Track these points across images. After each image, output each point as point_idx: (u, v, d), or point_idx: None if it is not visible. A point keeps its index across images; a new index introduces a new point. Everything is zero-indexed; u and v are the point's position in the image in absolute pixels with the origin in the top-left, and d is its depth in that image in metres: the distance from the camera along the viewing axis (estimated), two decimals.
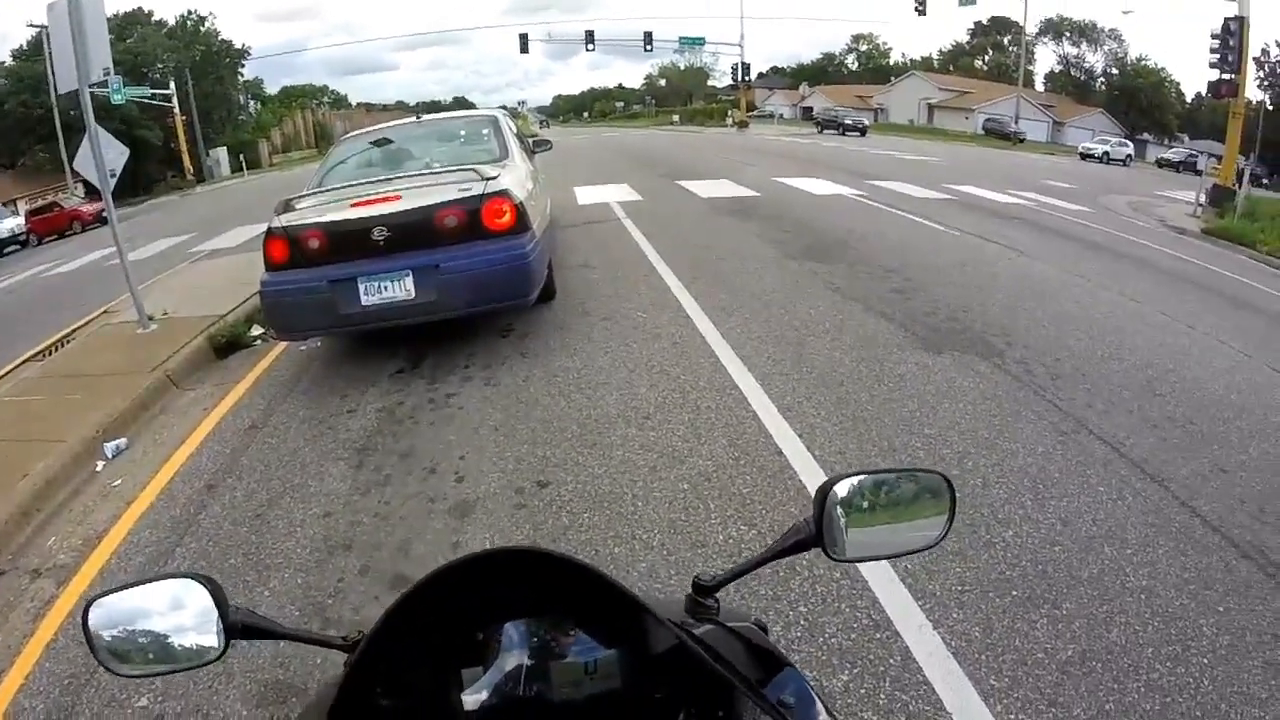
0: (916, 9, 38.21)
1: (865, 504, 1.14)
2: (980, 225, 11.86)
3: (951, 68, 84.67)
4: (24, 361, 7.92)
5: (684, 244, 9.27)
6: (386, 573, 3.34)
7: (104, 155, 7.32)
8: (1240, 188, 19.25)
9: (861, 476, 1.15)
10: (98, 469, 5.06)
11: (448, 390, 5.23)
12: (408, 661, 0.98)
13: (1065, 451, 4.25)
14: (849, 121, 48.71)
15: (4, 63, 50.16)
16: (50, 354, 8.03)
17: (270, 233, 5.35)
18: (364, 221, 5.15)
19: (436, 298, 5.16)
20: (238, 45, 62.71)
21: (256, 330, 7.13)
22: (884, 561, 3.03)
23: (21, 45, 49.04)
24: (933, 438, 4.34)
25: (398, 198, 5.28)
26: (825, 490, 1.11)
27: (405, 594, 0.96)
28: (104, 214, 28.54)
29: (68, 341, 8.32)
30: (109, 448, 5.22)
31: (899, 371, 5.26)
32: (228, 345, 6.94)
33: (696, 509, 3.59)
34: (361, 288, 5.13)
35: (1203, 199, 19.47)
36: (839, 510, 1.11)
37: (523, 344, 5.95)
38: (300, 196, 5.69)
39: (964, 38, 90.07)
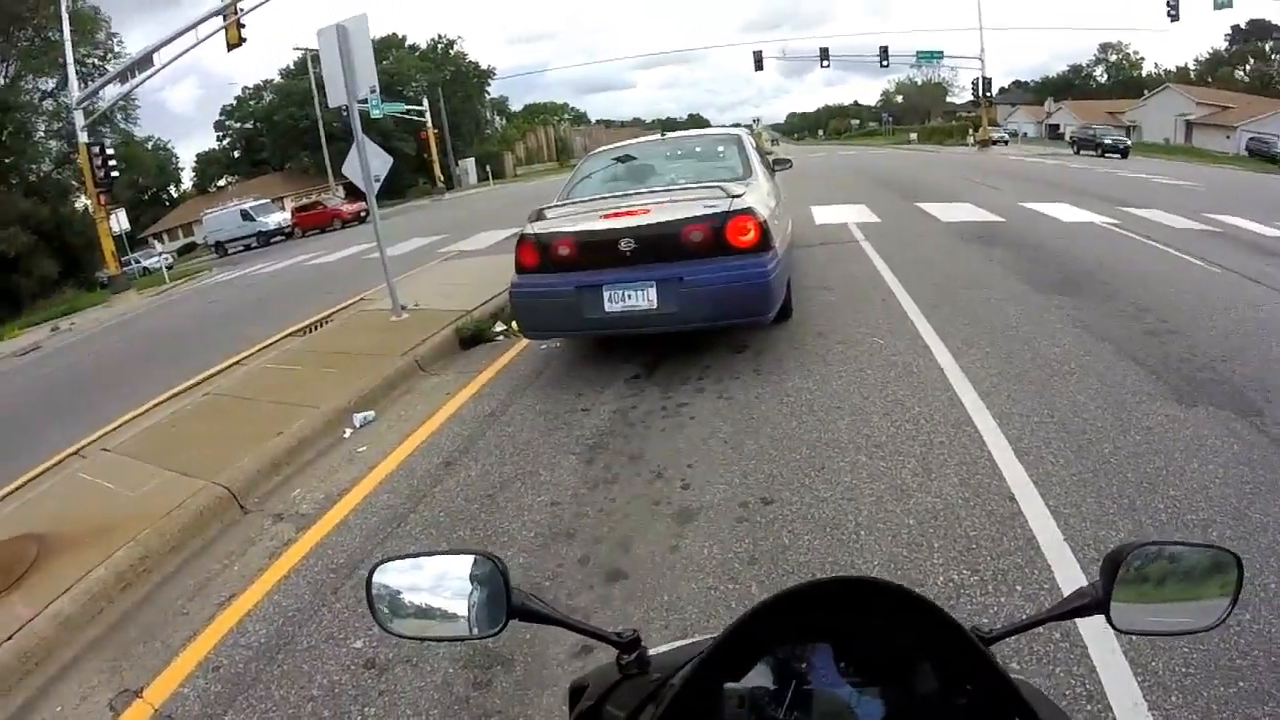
0: (1169, 13, 34.76)
1: (1152, 575, 1.12)
2: (1245, 263, 10.62)
3: (1210, 79, 76.17)
4: (288, 335, 8.91)
5: (923, 269, 8.96)
6: (604, 565, 3.45)
7: (370, 163, 8.25)
8: None
9: (1154, 546, 1.12)
10: (345, 436, 5.64)
11: (680, 400, 5.34)
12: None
13: None
14: (1109, 141, 44.22)
15: (274, 80, 58.39)
16: (311, 331, 8.97)
17: (523, 238, 5.72)
18: (612, 232, 5.40)
19: (677, 309, 5.31)
20: (484, 66, 69.95)
21: (500, 327, 7.66)
22: (1109, 630, 2.81)
23: (289, 65, 58.09)
24: (1177, 500, 3.91)
25: (646, 211, 5.50)
26: (1117, 557, 1.08)
27: (752, 611, 0.93)
28: (361, 214, 31.96)
29: (327, 322, 9.24)
30: (358, 418, 5.79)
31: (1146, 423, 4.80)
32: (472, 338, 7.51)
33: (919, 546, 3.44)
34: (606, 295, 5.38)
35: None
36: (1125, 578, 1.09)
37: (757, 361, 5.97)
38: (551, 206, 6.05)
39: (1221, 44, 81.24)
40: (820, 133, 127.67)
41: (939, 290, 7.89)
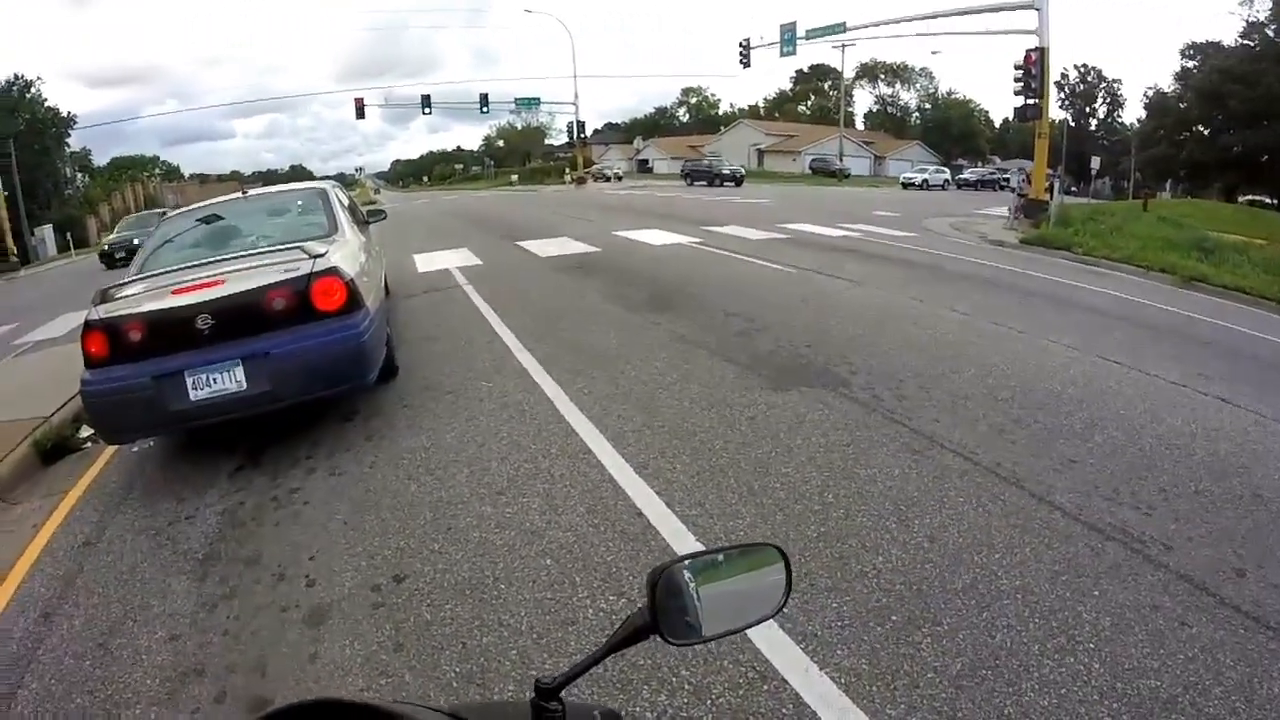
0: (741, 60, 40.08)
1: (701, 583, 1.16)
2: (814, 260, 12.52)
3: (777, 114, 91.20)
4: None
5: (525, 306, 9.35)
6: (243, 696, 3.17)
7: None
8: (1052, 199, 21.38)
9: (691, 559, 1.18)
10: None
11: (291, 485, 4.99)
12: None
13: (921, 469, 4.51)
14: (726, 171, 47.52)
15: None
16: None
17: (88, 325, 4.98)
18: (187, 309, 4.88)
19: (270, 387, 4.94)
20: (64, 113, 58.59)
21: (86, 431, 6.64)
22: (772, 625, 3.08)
23: None
24: (790, 475, 4.50)
25: (221, 282, 5.02)
26: (656, 577, 1.11)
27: None
28: None
29: None
30: None
31: (749, 415, 5.45)
32: (55, 449, 6.42)
33: (562, 585, 3.57)
34: (189, 381, 4.85)
35: (1014, 212, 21.63)
36: (673, 594, 1.13)
37: (367, 427, 5.79)
38: (120, 285, 5.35)
39: (787, 85, 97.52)
40: (425, 179, 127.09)
41: (542, 324, 8.29)
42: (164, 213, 21.67)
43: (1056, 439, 5.10)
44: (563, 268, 12.28)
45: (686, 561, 1.17)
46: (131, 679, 3.42)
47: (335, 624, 3.53)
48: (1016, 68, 23.90)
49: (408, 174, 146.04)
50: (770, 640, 3.04)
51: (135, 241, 19.58)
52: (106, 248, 25.52)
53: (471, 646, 3.24)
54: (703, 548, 3.55)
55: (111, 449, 6.11)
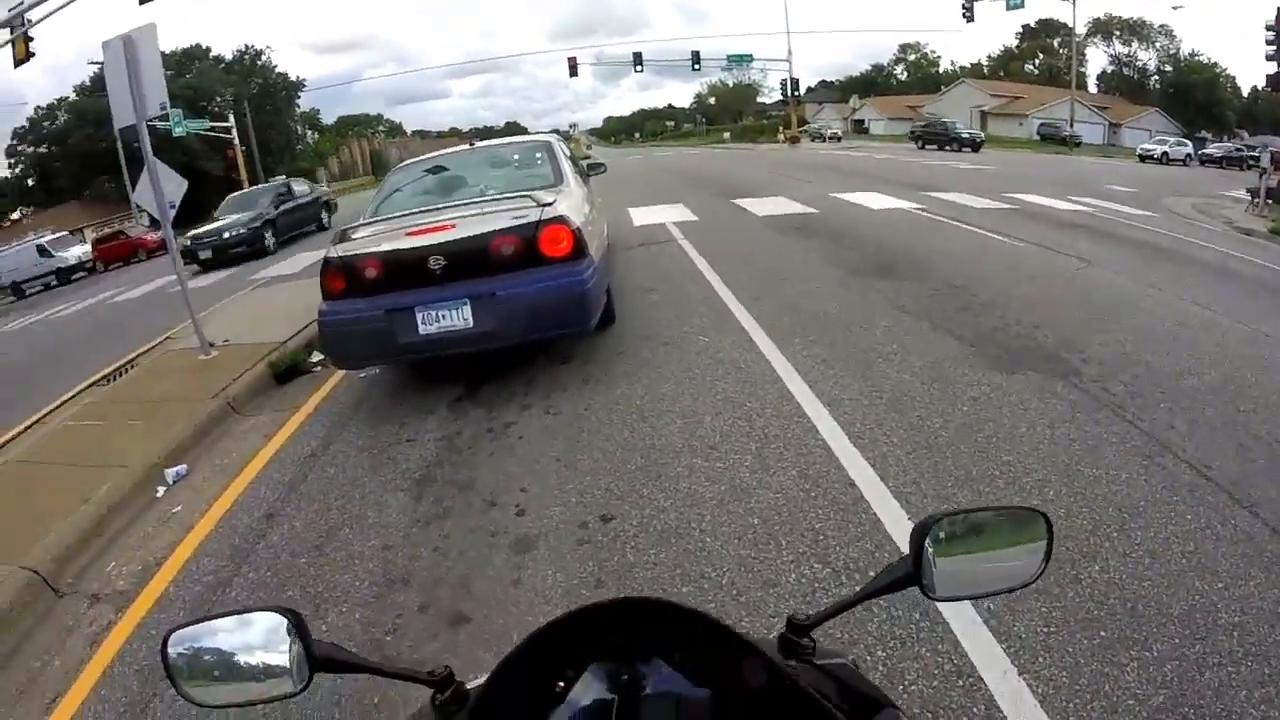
0: (964, 14, 37.45)
1: (962, 542, 1.14)
2: (1044, 235, 11.49)
3: (1002, 73, 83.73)
4: (88, 386, 8.08)
5: (743, 264, 9.12)
6: (446, 610, 3.24)
7: (163, 187, 7.48)
8: None
9: (958, 514, 1.15)
10: (158, 495, 5.12)
11: (507, 419, 5.13)
12: (502, 705, 0.96)
13: (1150, 477, 4.00)
14: (965, 135, 43.96)
15: (68, 98, 52.82)
16: (114, 380, 8.18)
17: (327, 263, 5.37)
18: (420, 250, 5.12)
19: (494, 326, 5.10)
20: (293, 77, 65.18)
21: (316, 356, 7.17)
22: (967, 602, 2.86)
23: (84, 81, 51.86)
24: (1011, 465, 4.11)
25: (452, 226, 5.23)
26: (923, 529, 1.10)
27: (521, 645, 0.95)
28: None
29: (131, 367, 8.47)
30: (170, 474, 5.28)
31: (972, 394, 5.03)
32: (288, 371, 6.99)
33: (767, 545, 3.41)
34: (419, 317, 5.09)
35: (1261, 197, 18.87)
36: (935, 548, 1.11)
37: (583, 370, 5.83)
38: (356, 226, 5.71)
39: (1013, 42, 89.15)
40: (637, 135, 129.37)
41: (759, 283, 8.03)
42: (285, 186, 22.85)
43: None
44: (780, 228, 11.91)
45: (953, 517, 1.14)
46: (341, 580, 3.60)
47: (540, 554, 3.55)
48: (1268, 28, 20.72)
49: (619, 130, 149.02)
50: (972, 634, 2.81)
51: (226, 235, 18.51)
52: (189, 243, 18.29)
53: (670, 594, 3.13)
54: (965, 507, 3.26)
55: (339, 374, 6.57)
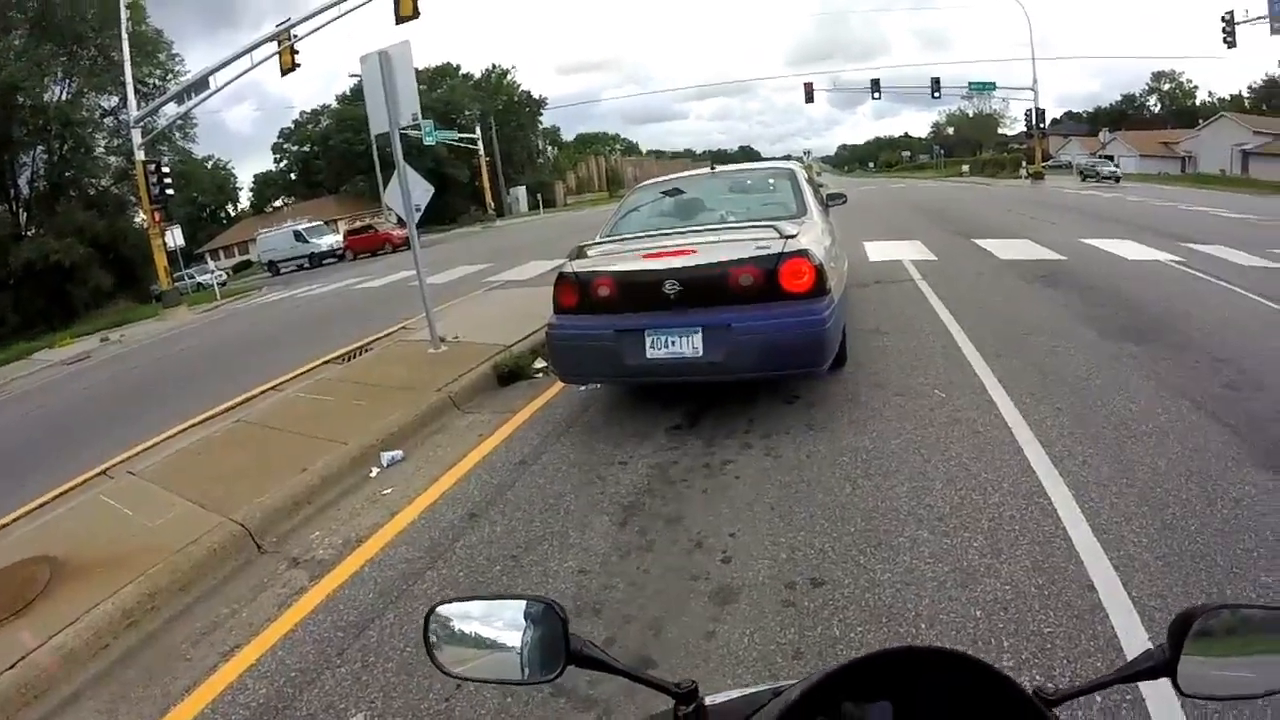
0: (1225, 39, 33.58)
1: (1226, 641, 1.07)
2: None
3: (1265, 107, 74.23)
4: (325, 363, 8.75)
5: (984, 312, 8.51)
6: (632, 649, 3.09)
7: (411, 191, 8.05)
8: None
9: (1226, 609, 1.08)
10: (371, 475, 5.41)
11: (725, 456, 4.94)
12: None
13: None
14: (1106, 171, 48.48)
15: (330, 105, 60.33)
16: (349, 359, 8.80)
17: (562, 277, 5.45)
18: (656, 273, 5.08)
19: (724, 358, 4.96)
20: (536, 95, 71.22)
21: (539, 364, 7.37)
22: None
23: (345, 91, 60.11)
24: (1272, 587, 3.46)
25: (692, 251, 5.15)
26: (1188, 618, 1.04)
27: (818, 679, 0.93)
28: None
29: (365, 350, 9.06)
30: (385, 457, 5.56)
31: (1234, 494, 4.31)
32: (510, 375, 7.22)
33: (988, 644, 3.01)
34: (648, 340, 5.06)
35: None
36: (1195, 642, 1.04)
37: (809, 414, 5.56)
38: (593, 243, 5.74)
39: (1276, 70, 79.16)
40: (870, 165, 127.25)
41: (1001, 336, 7.44)
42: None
43: None
44: (1025, 274, 11.06)
45: (1220, 610, 1.07)
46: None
47: (741, 609, 3.31)
48: None
49: (853, 159, 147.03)
50: None
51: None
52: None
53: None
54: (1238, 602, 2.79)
55: (559, 384, 6.62)
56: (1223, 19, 33.38)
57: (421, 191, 8.31)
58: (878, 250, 13.46)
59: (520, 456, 5.27)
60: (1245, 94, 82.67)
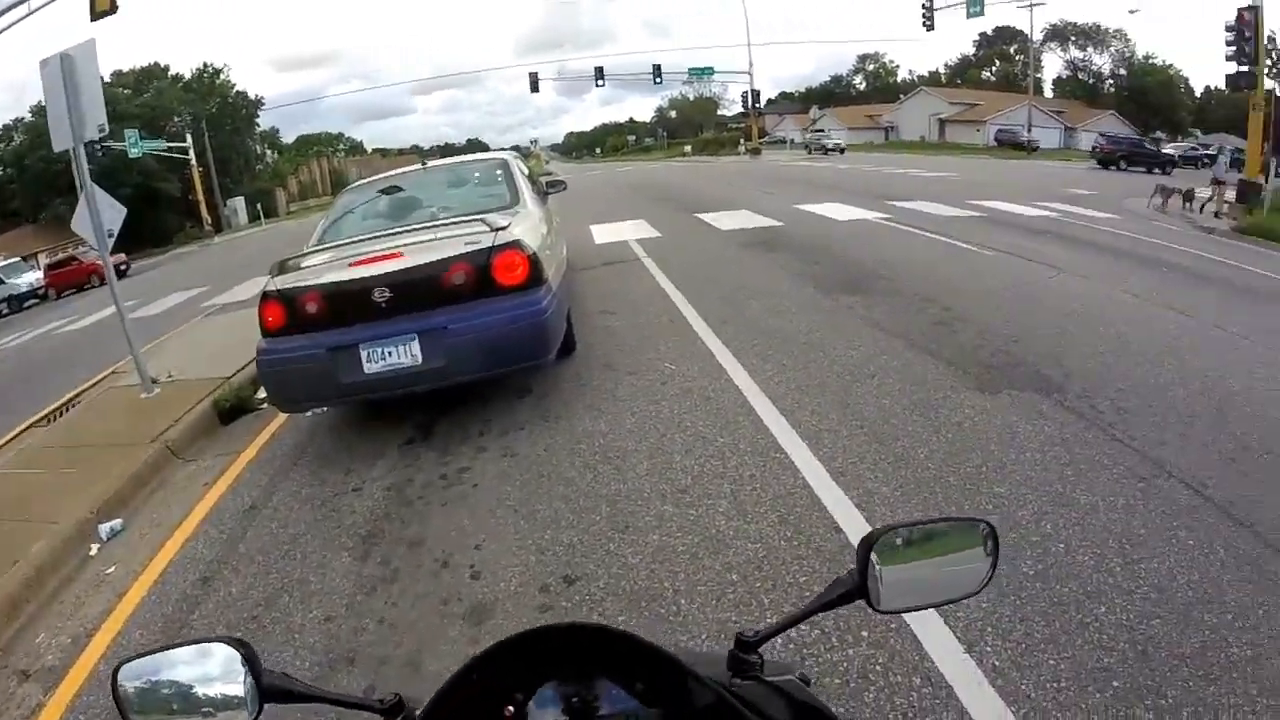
0: (924, 23, 37.73)
1: (906, 554, 1.14)
2: (1012, 243, 11.41)
3: (959, 81, 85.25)
4: (28, 428, 7.62)
5: (708, 282, 8.86)
6: (392, 692, 2.87)
7: (102, 215, 7.02)
8: (1268, 181, 18.89)
9: (904, 528, 1.15)
10: (92, 553, 4.71)
11: (461, 464, 4.74)
12: None
13: (1148, 501, 3.79)
14: (830, 145, 53.05)
15: (25, 119, 51.38)
16: (56, 418, 7.73)
17: (265, 295, 4.95)
18: (364, 282, 4.74)
19: (446, 363, 4.72)
20: (253, 95, 64.16)
21: (263, 393, 6.69)
22: (971, 662, 2.72)
23: (40, 101, 50.40)
24: (1004, 497, 3.86)
25: (400, 255, 4.83)
26: (869, 542, 1.11)
27: (463, 668, 0.96)
28: (122, 266, 28.73)
29: (72, 405, 8.01)
30: (104, 529, 4.87)
31: (955, 419, 4.79)
32: (233, 410, 6.58)
33: (749, 605, 3.10)
34: (364, 354, 4.71)
35: (1217, 197, 19.44)
36: (882, 562, 1.11)
37: (542, 405, 5.47)
38: (299, 255, 5.25)
39: (970, 50, 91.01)
40: (598, 150, 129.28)
41: (726, 303, 7.78)
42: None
43: None
44: (745, 243, 11.68)
45: (899, 530, 1.15)
46: (281, 658, 3.21)
47: (498, 624, 3.18)
48: (1228, 29, 21.01)
49: (580, 146, 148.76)
50: (979, 700, 2.57)
51: None
52: None
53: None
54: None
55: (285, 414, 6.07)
56: (923, 5, 37.42)
57: (114, 214, 7.29)
58: (604, 232, 13.65)
59: (250, 501, 4.76)
60: (942, 71, 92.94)
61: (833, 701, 2.53)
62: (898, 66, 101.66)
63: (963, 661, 2.73)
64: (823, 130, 65.62)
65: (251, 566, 3.97)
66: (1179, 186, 20.40)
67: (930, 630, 2.85)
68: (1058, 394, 5.14)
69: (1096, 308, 7.55)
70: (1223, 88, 28.80)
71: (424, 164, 7.93)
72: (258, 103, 64.82)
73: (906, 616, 2.88)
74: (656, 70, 52.55)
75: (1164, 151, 40.60)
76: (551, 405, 5.45)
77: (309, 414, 5.94)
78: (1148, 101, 70.49)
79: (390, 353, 4.72)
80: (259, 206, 52.76)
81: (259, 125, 67.52)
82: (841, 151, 50.99)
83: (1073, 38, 79.70)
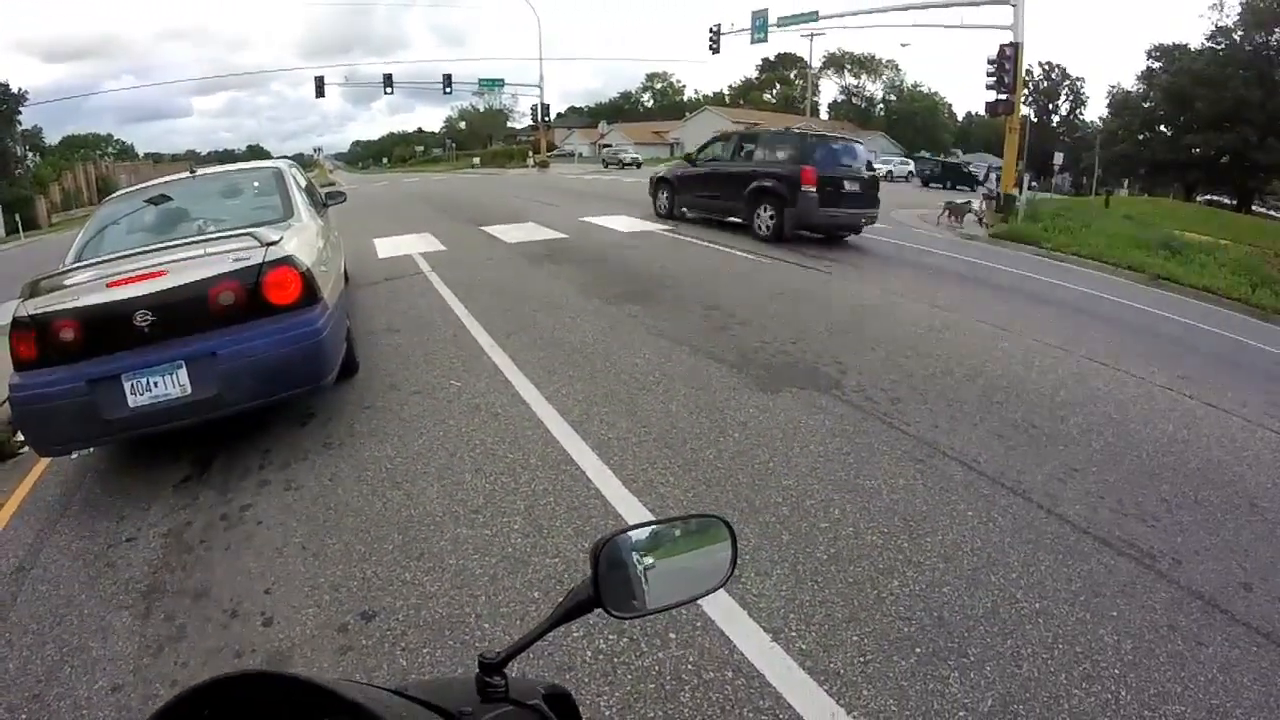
0: (710, 47, 39.35)
1: (644, 557, 1.14)
2: (791, 252, 12.18)
3: (742, 101, 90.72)
4: None
5: (493, 295, 8.91)
6: None
7: None
8: (1021, 193, 21.96)
9: (637, 529, 1.16)
10: None
11: (242, 501, 4.46)
12: None
13: (926, 480, 4.28)
14: (626, 159, 55.80)
15: None
16: None
17: (15, 323, 4.38)
18: (124, 304, 4.33)
19: (218, 392, 4.43)
20: (15, 89, 55.66)
21: (20, 435, 6.03)
22: (779, 649, 2.91)
23: None
24: (792, 488, 4.21)
25: (163, 273, 4.43)
26: (599, 548, 1.10)
27: None
28: None
29: None
30: None
31: (740, 419, 5.14)
32: None
33: None
34: (127, 386, 4.32)
35: (982, 207, 22.17)
36: (616, 566, 1.11)
37: (325, 432, 5.28)
38: (53, 274, 4.69)
39: (753, 74, 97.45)
40: (385, 160, 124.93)
41: (511, 317, 7.87)
42: None
43: (1055, 444, 4.93)
44: (531, 255, 11.81)
45: (631, 533, 1.15)
46: None
47: (296, 670, 3.05)
48: (990, 62, 23.76)
49: (367, 155, 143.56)
50: (790, 682, 2.78)
51: None
52: None
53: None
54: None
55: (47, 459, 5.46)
56: (710, 30, 38.88)
57: None
58: (387, 246, 13.33)
59: (16, 562, 4.27)
60: (727, 92, 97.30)
61: (650, 705, 2.68)
62: (684, 86, 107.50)
63: (770, 649, 2.93)
64: (617, 145, 66.83)
65: (26, 637, 3.62)
66: (962, 201, 22.73)
67: (735, 624, 3.06)
68: (835, 389, 5.63)
69: (867, 307, 8.34)
70: (983, 113, 32.25)
71: (193, 171, 7.34)
72: (20, 96, 56.72)
73: (710, 614, 3.08)
74: (447, 80, 51.52)
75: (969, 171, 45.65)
76: (335, 431, 5.30)
77: (74, 456, 5.24)
78: (914, 124, 78.98)
79: (156, 383, 4.37)
80: (17, 217, 46.52)
81: (20, 123, 59.25)
82: (638, 166, 52.18)
83: (849, 66, 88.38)
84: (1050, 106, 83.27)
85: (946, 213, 21.57)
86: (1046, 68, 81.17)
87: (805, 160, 12.98)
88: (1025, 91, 30.02)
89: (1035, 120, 74.19)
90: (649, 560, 1.15)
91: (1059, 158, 43.15)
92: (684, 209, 15.81)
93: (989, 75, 23.73)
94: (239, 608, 3.55)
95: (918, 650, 2.94)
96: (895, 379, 5.88)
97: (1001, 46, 23.49)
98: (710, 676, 2.81)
